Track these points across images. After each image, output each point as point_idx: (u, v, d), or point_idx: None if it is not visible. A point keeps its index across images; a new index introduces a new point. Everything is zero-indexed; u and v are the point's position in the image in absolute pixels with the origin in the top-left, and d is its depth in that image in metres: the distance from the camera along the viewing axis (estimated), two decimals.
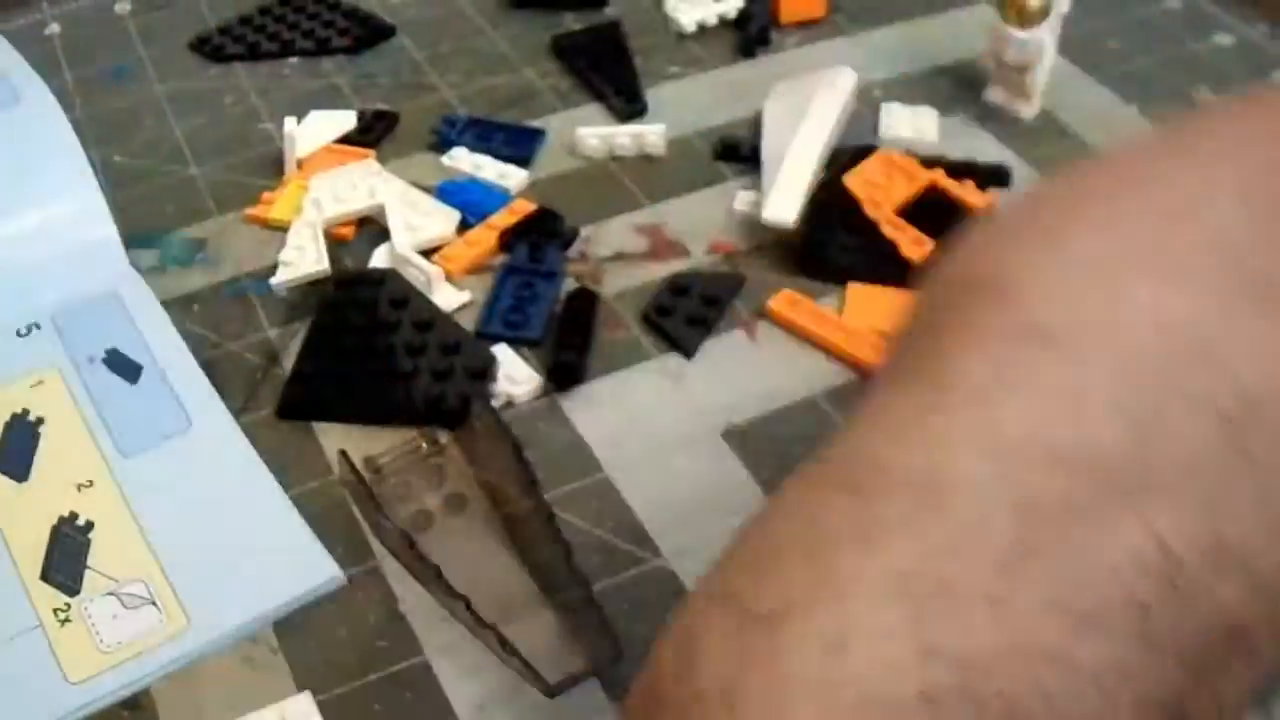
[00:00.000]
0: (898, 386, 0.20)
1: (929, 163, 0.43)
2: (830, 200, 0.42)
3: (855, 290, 0.40)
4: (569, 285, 0.41)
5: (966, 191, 0.42)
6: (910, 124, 0.47)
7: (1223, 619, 0.17)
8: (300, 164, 0.46)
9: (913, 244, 0.41)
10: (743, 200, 0.44)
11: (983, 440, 0.18)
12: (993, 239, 0.21)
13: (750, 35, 0.52)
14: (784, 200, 0.42)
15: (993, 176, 0.44)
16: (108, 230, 0.41)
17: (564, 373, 0.37)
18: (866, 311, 0.39)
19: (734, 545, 0.19)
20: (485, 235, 0.42)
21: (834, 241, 0.41)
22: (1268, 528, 0.17)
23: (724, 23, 0.53)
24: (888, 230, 0.41)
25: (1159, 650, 0.16)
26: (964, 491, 0.17)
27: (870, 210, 0.41)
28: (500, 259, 0.42)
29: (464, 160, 0.46)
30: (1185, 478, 0.17)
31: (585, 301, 0.40)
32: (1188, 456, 0.17)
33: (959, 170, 0.43)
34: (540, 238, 0.42)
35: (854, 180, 0.42)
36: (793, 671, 0.16)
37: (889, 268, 0.40)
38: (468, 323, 0.39)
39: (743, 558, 0.19)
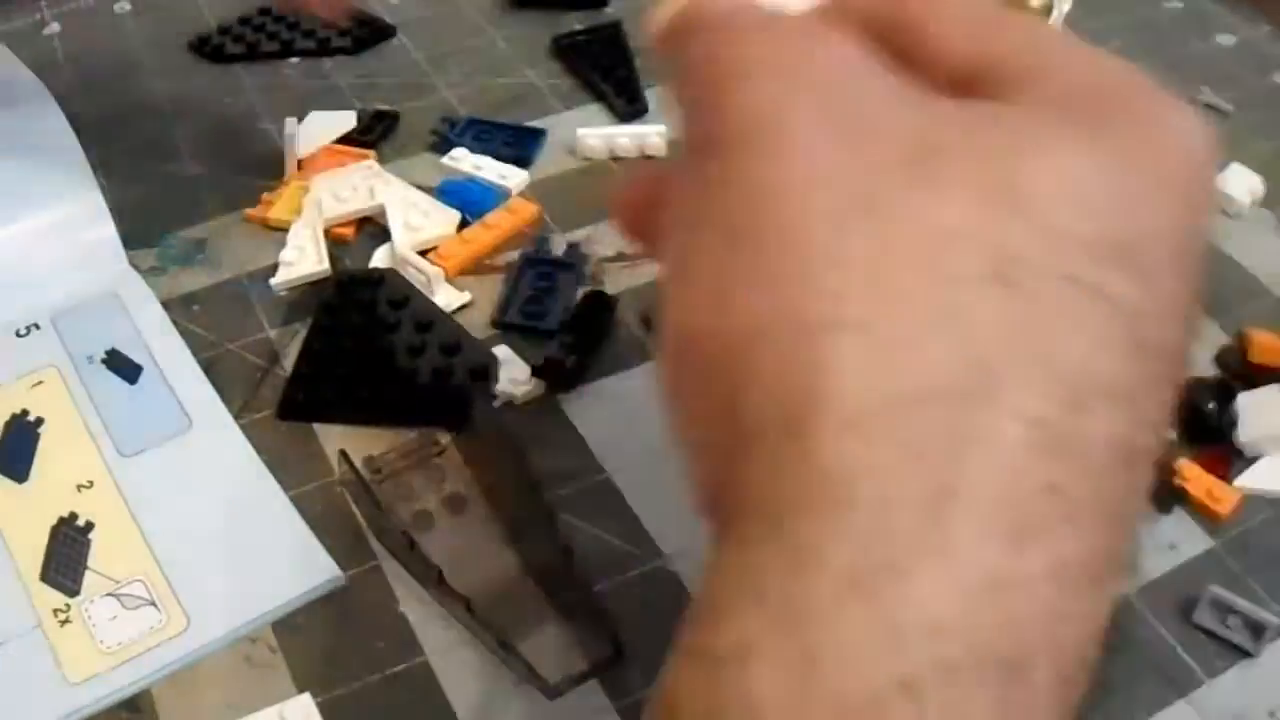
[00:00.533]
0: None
1: None
2: None
3: None
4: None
5: None
6: None
7: (1115, 451, 0.16)
8: (300, 164, 0.46)
9: None
10: None
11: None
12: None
13: None
14: None
15: None
16: (107, 230, 0.41)
17: (558, 375, 0.37)
18: None
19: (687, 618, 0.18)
20: (482, 234, 0.42)
21: None
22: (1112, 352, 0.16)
23: None
24: None
25: (1082, 519, 0.16)
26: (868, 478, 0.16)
27: None
28: (502, 258, 0.42)
29: (464, 160, 0.46)
30: (1017, 360, 0.16)
31: (598, 304, 0.40)
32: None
33: None
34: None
35: None
36: (766, 696, 0.15)
37: None
38: (468, 322, 0.39)
39: (696, 616, 0.17)
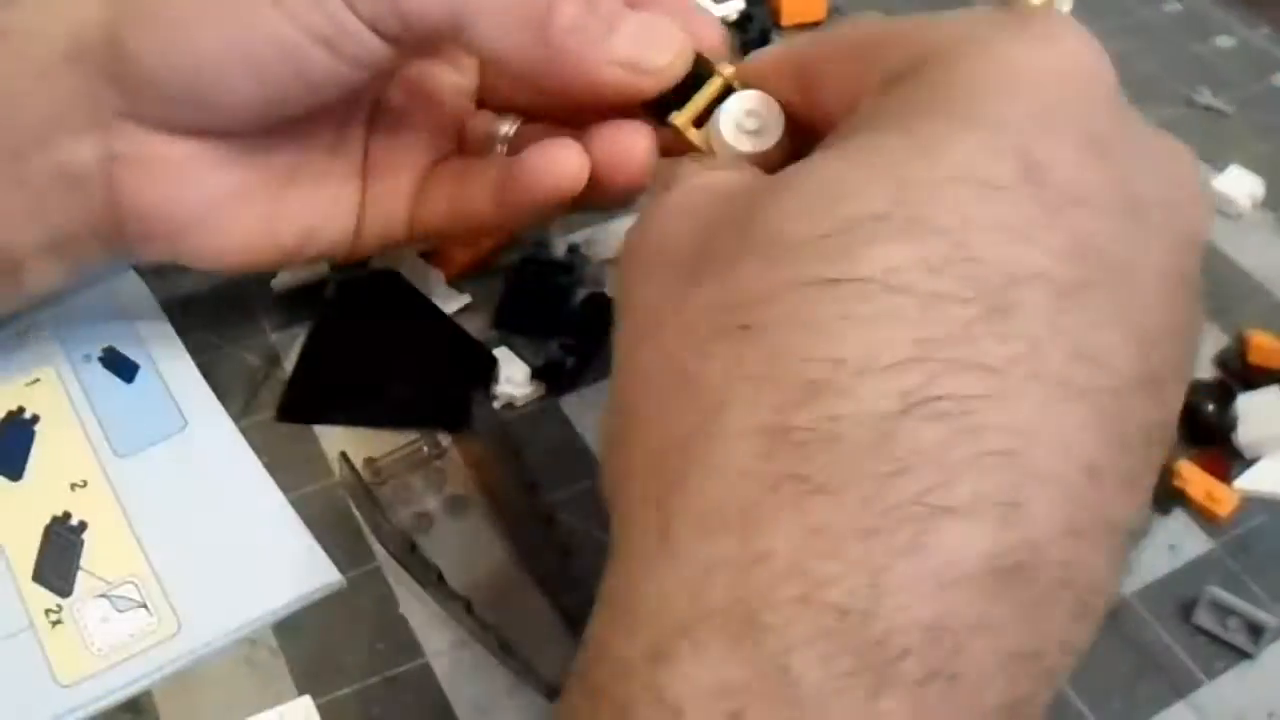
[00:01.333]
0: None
1: None
2: None
3: None
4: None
5: None
6: None
7: (869, 427, 0.18)
8: None
9: None
10: None
11: None
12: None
13: (751, 37, 0.52)
14: None
15: None
16: None
17: (558, 376, 0.37)
18: None
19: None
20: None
21: None
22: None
23: (725, 25, 0.53)
24: None
25: (833, 489, 0.18)
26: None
27: None
28: (502, 260, 0.42)
29: None
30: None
31: (598, 306, 0.39)
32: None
33: None
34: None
35: None
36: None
37: None
38: (468, 324, 0.39)
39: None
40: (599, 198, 0.30)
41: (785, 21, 0.53)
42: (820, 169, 0.20)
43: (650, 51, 0.28)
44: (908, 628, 0.17)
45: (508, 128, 0.34)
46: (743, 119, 0.27)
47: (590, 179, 0.30)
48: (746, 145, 0.27)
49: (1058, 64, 0.20)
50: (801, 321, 0.18)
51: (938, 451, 0.17)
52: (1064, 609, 0.18)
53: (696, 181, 0.24)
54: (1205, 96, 0.49)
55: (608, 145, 0.29)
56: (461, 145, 0.35)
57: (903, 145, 0.19)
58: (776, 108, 0.27)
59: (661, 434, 0.20)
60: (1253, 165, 0.45)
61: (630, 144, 0.29)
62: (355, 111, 0.33)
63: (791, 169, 0.21)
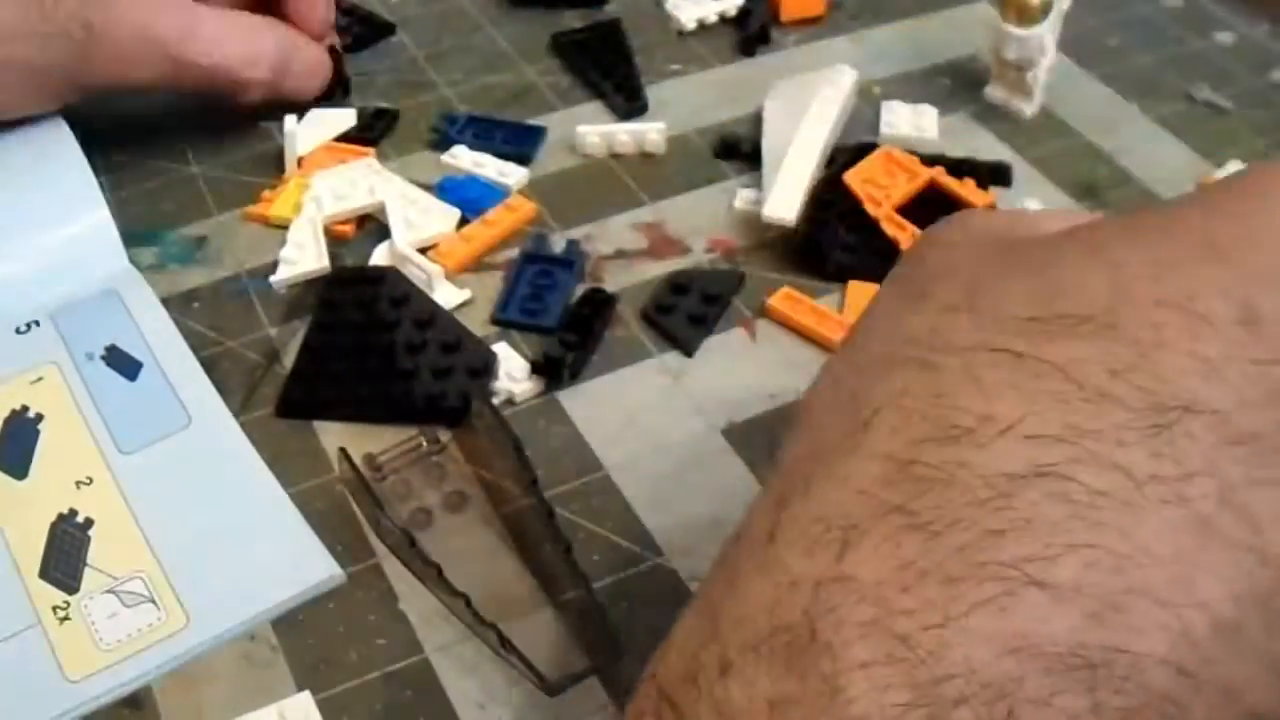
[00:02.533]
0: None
1: (929, 160, 0.43)
2: (831, 198, 0.42)
3: (855, 288, 0.40)
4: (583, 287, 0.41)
5: (967, 189, 0.42)
6: (910, 122, 0.47)
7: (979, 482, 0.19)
8: (300, 162, 0.46)
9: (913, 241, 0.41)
10: (743, 198, 0.44)
11: None
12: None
13: (750, 33, 0.52)
14: (784, 198, 0.42)
15: (993, 174, 0.44)
16: (107, 227, 0.41)
17: (557, 372, 0.37)
18: None
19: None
20: (481, 232, 0.42)
21: (834, 239, 0.41)
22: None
23: (724, 20, 0.53)
24: (888, 228, 0.41)
25: (936, 528, 0.18)
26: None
27: (870, 208, 0.41)
28: (501, 255, 0.42)
29: (464, 158, 0.46)
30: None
31: (597, 302, 0.40)
32: None
33: (959, 168, 0.43)
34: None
35: (854, 178, 0.42)
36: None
37: (889, 265, 0.40)
38: (467, 320, 0.39)
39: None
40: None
41: (784, 17, 0.53)
42: (1058, 258, 0.21)
43: None
44: (969, 677, 0.17)
45: None
46: None
47: None
48: None
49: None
50: (973, 376, 0.19)
51: (1050, 528, 0.18)
52: None
53: (970, 221, 0.26)
54: (1205, 92, 0.49)
55: None
56: None
57: (1138, 262, 0.20)
58: None
59: (814, 440, 0.21)
60: (1251, 161, 0.45)
61: None
62: None
63: (1027, 235, 0.23)
